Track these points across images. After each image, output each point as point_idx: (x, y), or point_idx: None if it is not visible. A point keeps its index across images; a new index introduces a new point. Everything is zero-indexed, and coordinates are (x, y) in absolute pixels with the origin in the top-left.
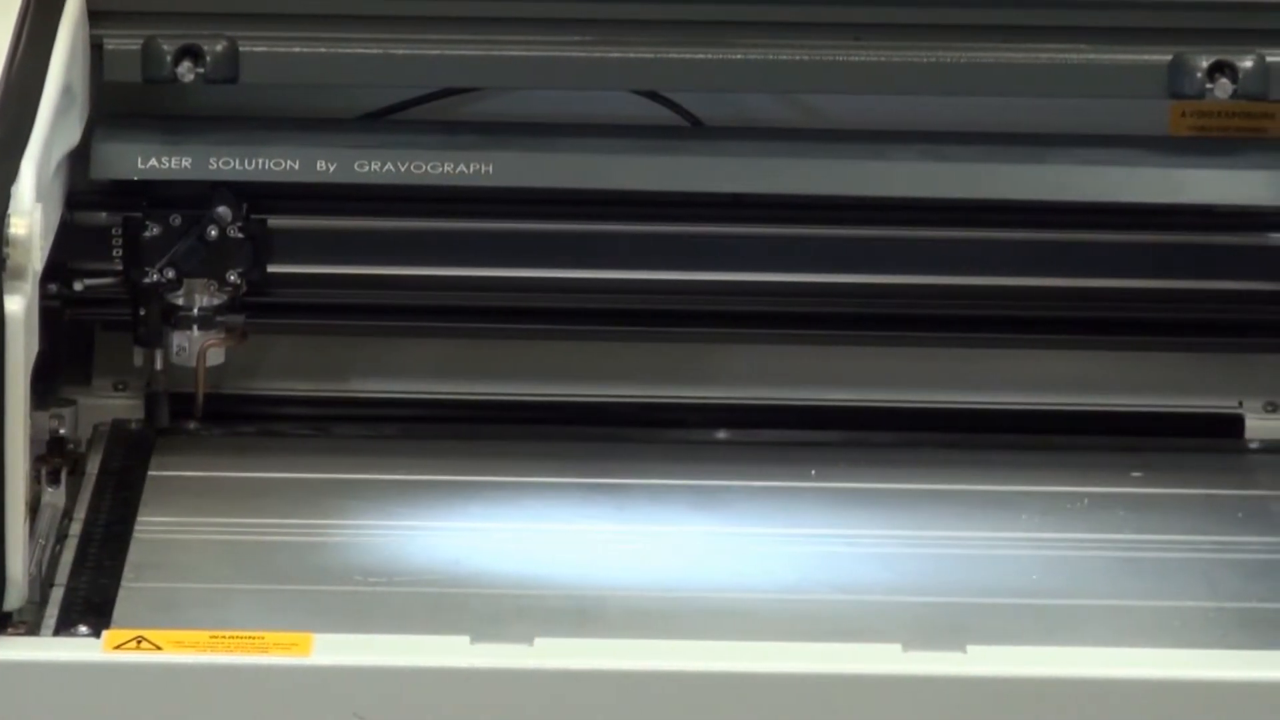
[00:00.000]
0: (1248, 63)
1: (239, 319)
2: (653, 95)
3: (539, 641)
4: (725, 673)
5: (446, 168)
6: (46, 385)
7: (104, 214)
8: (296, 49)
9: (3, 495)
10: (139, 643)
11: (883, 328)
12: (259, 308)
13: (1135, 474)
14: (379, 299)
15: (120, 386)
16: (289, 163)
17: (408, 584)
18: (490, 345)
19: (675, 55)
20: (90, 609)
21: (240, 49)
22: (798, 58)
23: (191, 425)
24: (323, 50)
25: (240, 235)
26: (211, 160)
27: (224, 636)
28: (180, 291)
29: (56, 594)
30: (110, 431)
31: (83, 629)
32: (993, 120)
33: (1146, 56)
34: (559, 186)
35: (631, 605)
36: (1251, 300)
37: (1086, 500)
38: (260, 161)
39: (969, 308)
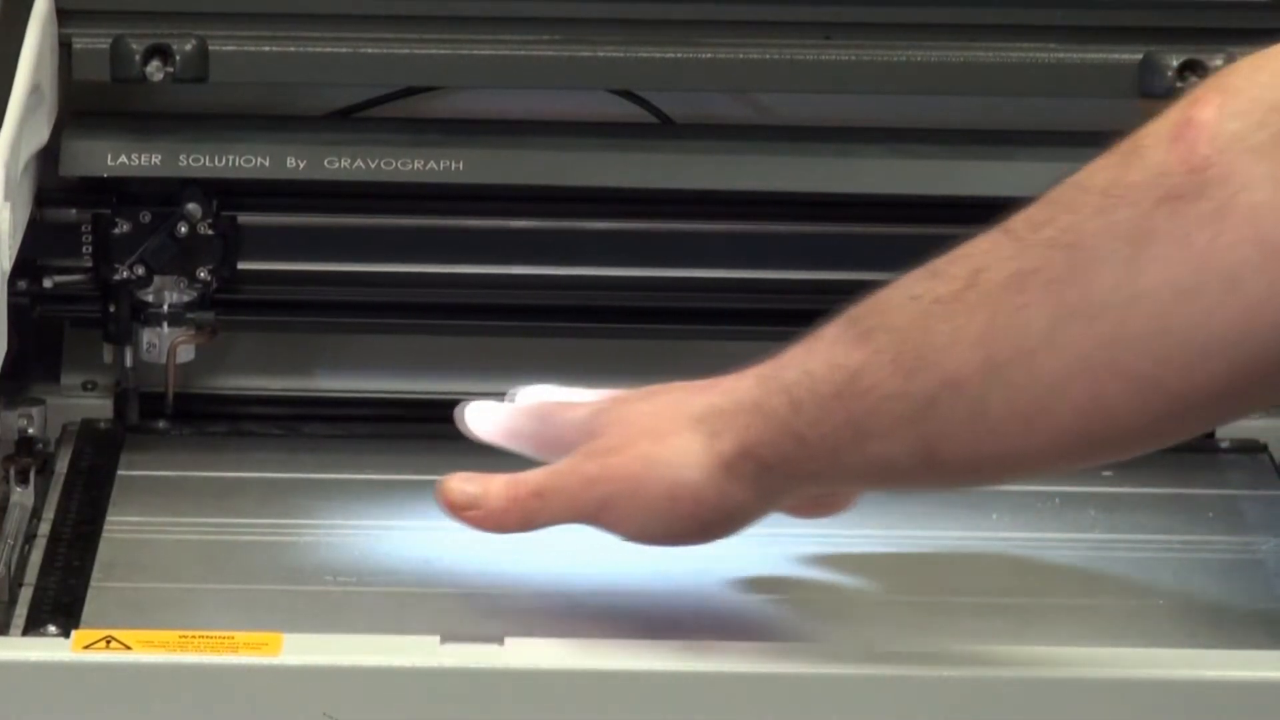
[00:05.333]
0: (1218, 62)
1: (209, 316)
2: (625, 93)
3: (510, 641)
4: (697, 673)
5: (417, 164)
6: (15, 384)
7: (73, 211)
8: (266, 48)
9: None
10: (108, 643)
11: None
12: (229, 304)
13: (1106, 473)
14: (350, 296)
15: (89, 385)
16: (259, 159)
17: (378, 584)
18: (461, 342)
19: (646, 54)
20: (59, 609)
21: (210, 48)
22: (768, 57)
23: (161, 424)
24: (293, 49)
25: (210, 232)
26: (181, 157)
27: (194, 636)
28: (150, 288)
29: (25, 594)
30: (79, 430)
31: (51, 629)
32: (962, 118)
33: (1116, 56)
34: (529, 183)
35: (604, 605)
36: None
37: (1058, 499)
38: (230, 158)
39: None
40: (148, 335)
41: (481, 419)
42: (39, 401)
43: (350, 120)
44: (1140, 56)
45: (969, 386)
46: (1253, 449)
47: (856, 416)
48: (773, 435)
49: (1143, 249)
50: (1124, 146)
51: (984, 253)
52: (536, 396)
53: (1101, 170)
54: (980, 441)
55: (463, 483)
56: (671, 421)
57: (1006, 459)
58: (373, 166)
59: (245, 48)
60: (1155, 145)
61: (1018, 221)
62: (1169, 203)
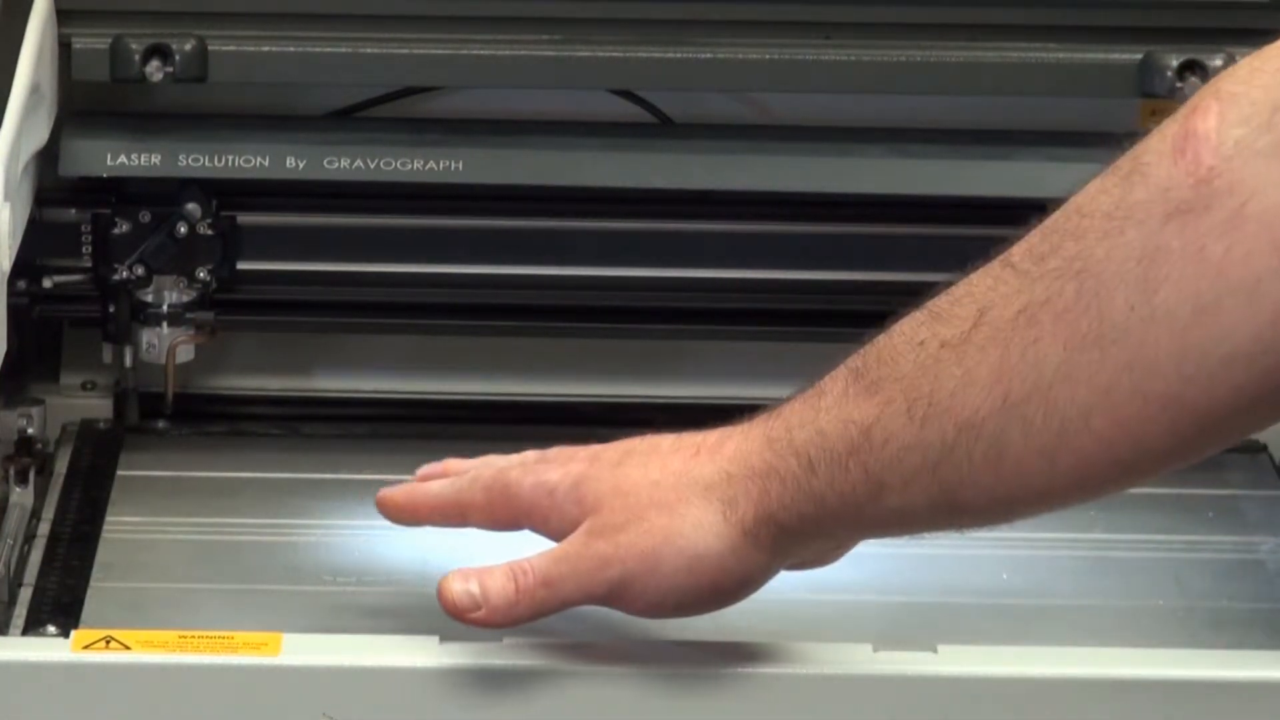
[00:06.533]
0: (1217, 62)
1: (209, 316)
2: (624, 93)
3: (508, 640)
4: (694, 673)
5: (416, 164)
6: (14, 384)
7: (73, 211)
8: (266, 48)
9: None
10: (108, 643)
11: (854, 324)
12: (229, 305)
13: None
14: (349, 296)
15: (89, 385)
16: (258, 159)
17: (377, 584)
18: (461, 342)
19: (646, 54)
20: (59, 609)
21: (209, 48)
22: (768, 57)
23: (160, 424)
24: (293, 49)
25: (210, 232)
26: (181, 157)
27: (193, 636)
28: (150, 288)
29: (24, 594)
30: (79, 430)
31: (51, 629)
32: (962, 118)
33: (1116, 55)
34: (528, 183)
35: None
36: None
37: None
38: (229, 158)
39: None
40: (147, 335)
41: (414, 503)
42: (39, 401)
43: (350, 120)
44: (1140, 56)
45: (986, 428)
46: (1253, 449)
47: (874, 471)
48: (791, 499)
49: (1155, 268)
50: (1123, 166)
51: (987, 290)
52: (444, 469)
53: (1102, 193)
54: (1001, 482)
55: (462, 582)
56: (679, 491)
57: (1028, 497)
58: (372, 166)
59: (245, 48)
60: (1157, 161)
61: (1018, 254)
62: (1178, 218)
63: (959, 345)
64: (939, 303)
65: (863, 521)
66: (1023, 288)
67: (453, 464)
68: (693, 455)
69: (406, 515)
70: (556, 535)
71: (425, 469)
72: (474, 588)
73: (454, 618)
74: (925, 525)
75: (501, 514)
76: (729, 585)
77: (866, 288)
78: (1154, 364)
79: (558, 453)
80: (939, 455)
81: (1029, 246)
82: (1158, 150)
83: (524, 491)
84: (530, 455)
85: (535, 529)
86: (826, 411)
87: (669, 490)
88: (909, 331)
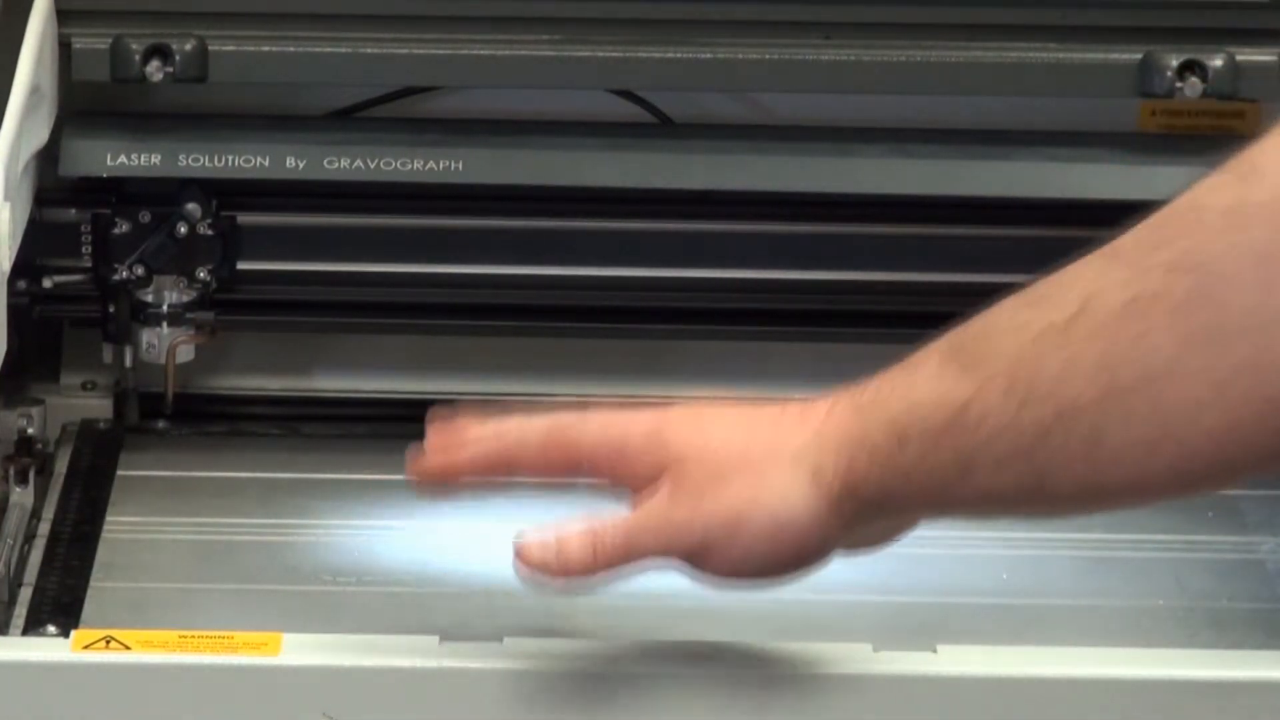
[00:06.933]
0: (1217, 62)
1: (209, 316)
2: (624, 93)
3: (508, 641)
4: (693, 673)
5: (416, 164)
6: (14, 384)
7: (73, 211)
8: (266, 48)
9: None
10: (108, 643)
11: (853, 324)
12: (229, 305)
13: None
14: (350, 296)
15: (89, 385)
16: (258, 159)
17: (377, 584)
18: (461, 342)
19: (646, 54)
20: (59, 609)
21: (209, 48)
22: (768, 57)
23: (160, 424)
24: (293, 49)
25: (210, 232)
26: (181, 157)
27: (193, 636)
28: (150, 288)
29: (24, 594)
30: (79, 430)
31: (51, 629)
32: (962, 118)
33: (1116, 55)
34: (528, 183)
35: (601, 605)
36: None
37: None
38: (229, 158)
39: (938, 304)
40: (147, 335)
41: (452, 462)
42: (39, 401)
43: (350, 120)
44: (1140, 56)
45: (1086, 416)
46: None
47: (966, 450)
48: (878, 472)
49: (1278, 269)
50: (1238, 166)
51: (1093, 278)
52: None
53: (1218, 190)
54: (1096, 471)
55: (540, 543)
56: (766, 457)
57: (1122, 487)
58: (372, 166)
59: (245, 48)
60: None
61: (1126, 246)
62: None
63: (1062, 331)
64: (1040, 288)
65: (946, 500)
66: (1131, 279)
67: (468, 424)
68: (777, 420)
69: (448, 475)
70: (627, 484)
71: (437, 422)
72: (552, 547)
73: (531, 581)
74: (1008, 509)
75: (559, 462)
76: (807, 554)
77: (866, 288)
78: (1275, 366)
79: (604, 408)
80: (1034, 439)
81: (1137, 239)
82: (1277, 150)
83: (587, 435)
84: (566, 414)
85: (599, 477)
86: (920, 387)
87: (755, 454)
88: (1009, 314)
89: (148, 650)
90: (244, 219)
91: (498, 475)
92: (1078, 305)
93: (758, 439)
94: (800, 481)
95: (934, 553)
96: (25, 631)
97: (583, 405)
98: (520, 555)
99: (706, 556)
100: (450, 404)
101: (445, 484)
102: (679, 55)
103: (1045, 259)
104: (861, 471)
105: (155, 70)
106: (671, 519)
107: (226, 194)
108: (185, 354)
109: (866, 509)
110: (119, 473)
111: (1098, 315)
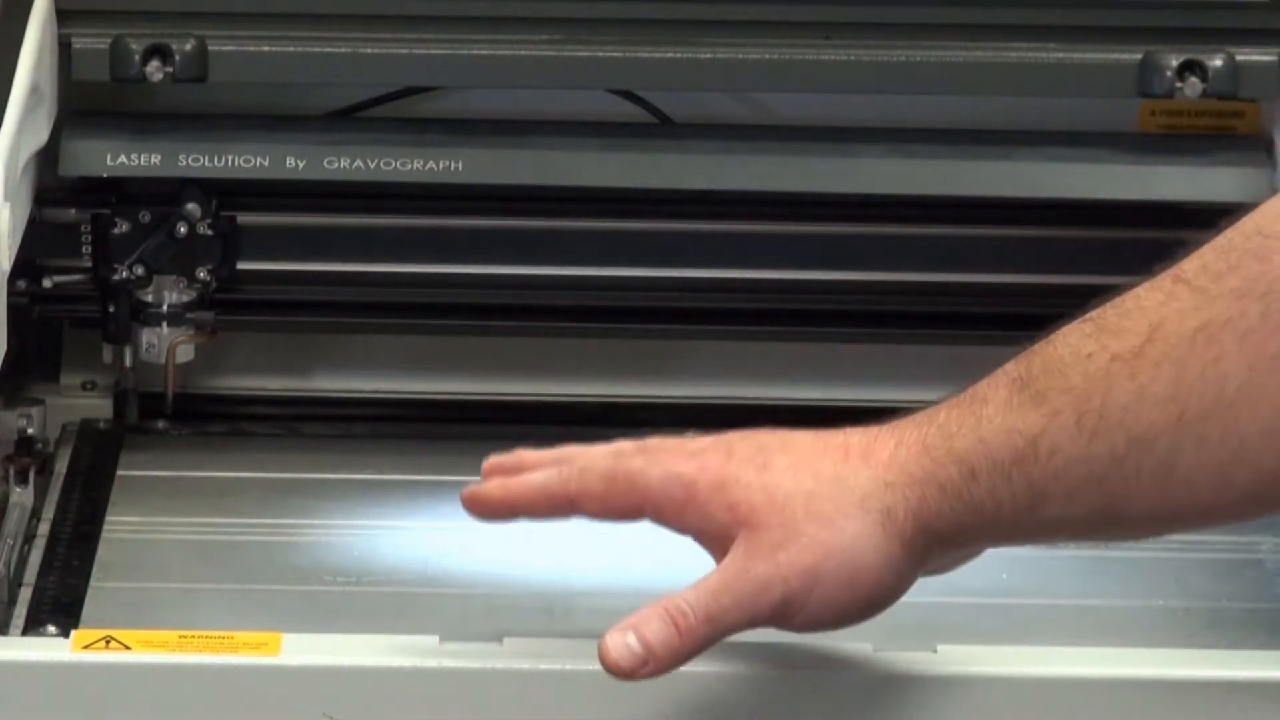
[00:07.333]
0: (1217, 62)
1: (209, 316)
2: (624, 93)
3: (508, 641)
4: (694, 672)
5: (416, 164)
6: (14, 384)
7: (73, 211)
8: (266, 48)
9: None
10: (108, 643)
11: (853, 324)
12: (229, 305)
13: None
14: (350, 296)
15: (89, 385)
16: (258, 159)
17: (377, 584)
18: (461, 342)
19: (646, 54)
20: (59, 609)
21: (209, 48)
22: (768, 57)
23: (160, 424)
24: (293, 49)
25: (210, 232)
26: (181, 157)
27: (193, 636)
28: (150, 288)
29: (24, 594)
30: (79, 430)
31: (51, 629)
32: (962, 118)
33: (1116, 55)
34: (528, 183)
35: (601, 605)
36: None
37: None
38: (229, 158)
39: (939, 304)
40: (147, 335)
41: (512, 495)
42: (39, 401)
43: (350, 120)
44: (1140, 56)
45: (1158, 444)
46: None
47: (1037, 482)
48: (950, 508)
49: None
50: None
51: (1159, 305)
52: (516, 461)
53: None
54: (1169, 497)
55: (620, 639)
56: (835, 502)
57: (1193, 512)
58: (372, 166)
59: (245, 48)
60: None
61: (1191, 271)
62: None
63: (1131, 359)
64: (1105, 315)
65: (1017, 530)
66: (1200, 305)
67: (526, 455)
68: (842, 460)
69: (504, 510)
70: (694, 533)
71: (493, 460)
72: (634, 642)
73: (620, 678)
74: (1079, 535)
75: (621, 504)
76: (884, 595)
77: (866, 288)
78: None
79: (663, 443)
80: (1106, 468)
81: (1203, 263)
82: None
83: (654, 482)
84: (627, 446)
85: (663, 522)
86: (989, 420)
87: (825, 500)
88: (1075, 343)
89: (148, 650)
90: (244, 219)
91: (557, 515)
92: (1146, 334)
93: (824, 484)
94: (872, 526)
95: None
96: (25, 631)
97: (578, 407)
98: (603, 656)
99: (788, 614)
100: (450, 404)
101: (501, 515)
102: (679, 55)
103: (1045, 259)
104: (933, 509)
105: (155, 70)
106: (749, 581)
107: (226, 194)
108: (185, 354)
109: (939, 544)
110: (119, 473)
111: (1167, 342)
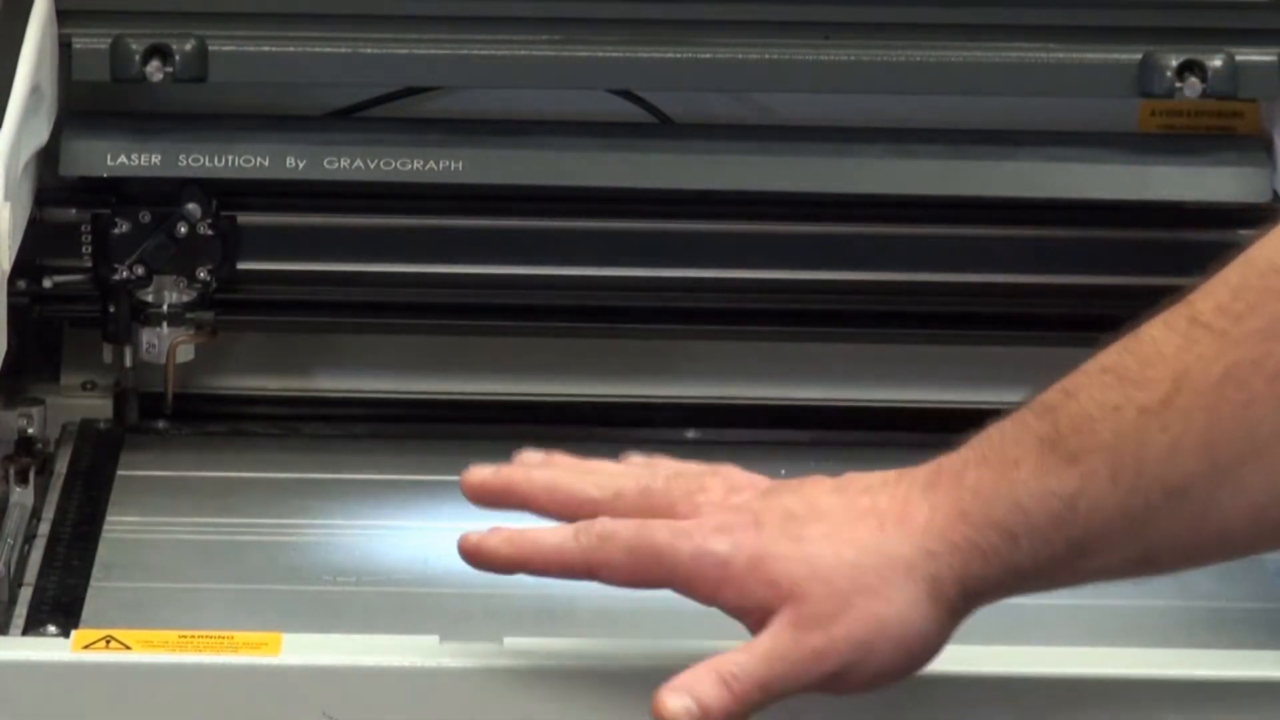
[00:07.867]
0: (1217, 62)
1: (209, 316)
2: (624, 93)
3: (508, 641)
4: None
5: (416, 164)
6: (14, 384)
7: (73, 211)
8: (266, 48)
9: None
10: (108, 642)
11: (853, 324)
12: (229, 304)
13: None
14: (350, 296)
15: (89, 385)
16: (258, 159)
17: (377, 584)
18: (461, 342)
19: (646, 54)
20: (59, 609)
21: (209, 48)
22: (768, 57)
23: (161, 424)
24: (293, 49)
25: (210, 232)
26: (181, 157)
27: (193, 636)
28: (150, 288)
29: (25, 594)
30: (79, 430)
31: (51, 629)
32: (962, 118)
33: (1116, 55)
34: (528, 183)
35: (600, 605)
36: None
37: None
38: (230, 158)
39: (939, 304)
40: (147, 335)
41: (522, 554)
42: (39, 401)
43: (350, 120)
44: (1140, 56)
45: (1194, 492)
46: None
47: (1077, 541)
48: (993, 573)
49: None
50: None
51: (1179, 350)
52: (520, 464)
53: None
54: (1202, 540)
55: (676, 700)
56: (881, 573)
57: (1226, 551)
58: (372, 166)
59: (245, 48)
60: None
61: (1208, 312)
62: None
63: (1159, 411)
64: (1125, 364)
65: (1055, 582)
66: (1224, 349)
67: (528, 456)
68: (879, 529)
69: (515, 565)
70: (730, 609)
71: (478, 477)
72: (691, 705)
73: None
74: (1114, 578)
75: (647, 579)
76: (930, 655)
77: (866, 288)
78: None
79: (689, 497)
80: (1143, 520)
81: (1218, 304)
82: None
83: (684, 560)
84: (635, 468)
85: (694, 598)
86: (1024, 484)
87: (870, 572)
88: (1099, 396)
89: (148, 650)
90: (244, 219)
91: (572, 578)
92: (1171, 382)
93: (866, 554)
94: (920, 595)
95: None
96: (25, 631)
97: (578, 407)
98: (658, 713)
99: (840, 681)
100: (450, 404)
101: (503, 571)
102: (679, 55)
103: (1045, 259)
104: (977, 574)
105: (155, 70)
106: (802, 652)
107: (226, 194)
108: (185, 354)
109: (979, 602)
110: (119, 473)
111: (1195, 391)
